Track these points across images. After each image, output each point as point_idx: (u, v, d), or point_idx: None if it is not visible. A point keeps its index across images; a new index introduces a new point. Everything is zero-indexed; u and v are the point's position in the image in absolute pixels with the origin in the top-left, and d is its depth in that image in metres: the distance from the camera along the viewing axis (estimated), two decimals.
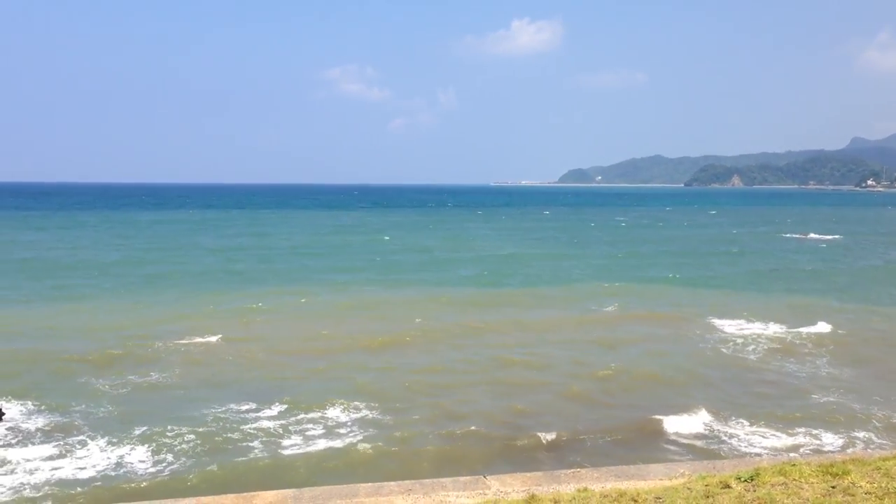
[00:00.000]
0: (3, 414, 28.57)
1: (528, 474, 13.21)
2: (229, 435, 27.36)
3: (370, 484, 11.66)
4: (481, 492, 11.79)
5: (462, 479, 12.51)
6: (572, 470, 13.78)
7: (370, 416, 29.67)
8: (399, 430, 28.10)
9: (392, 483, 11.97)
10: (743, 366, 37.44)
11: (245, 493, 11.16)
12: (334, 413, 29.81)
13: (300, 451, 25.96)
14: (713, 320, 48.47)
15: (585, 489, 11.34)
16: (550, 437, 27.40)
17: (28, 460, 24.81)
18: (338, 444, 26.64)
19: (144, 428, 27.80)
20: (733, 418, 29.44)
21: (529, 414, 30.07)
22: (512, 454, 25.96)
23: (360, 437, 27.25)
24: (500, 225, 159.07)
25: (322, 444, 26.58)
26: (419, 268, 78.61)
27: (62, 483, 23.10)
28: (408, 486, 11.81)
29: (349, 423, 28.70)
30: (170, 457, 25.28)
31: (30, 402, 30.54)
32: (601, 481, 12.61)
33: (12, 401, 30.34)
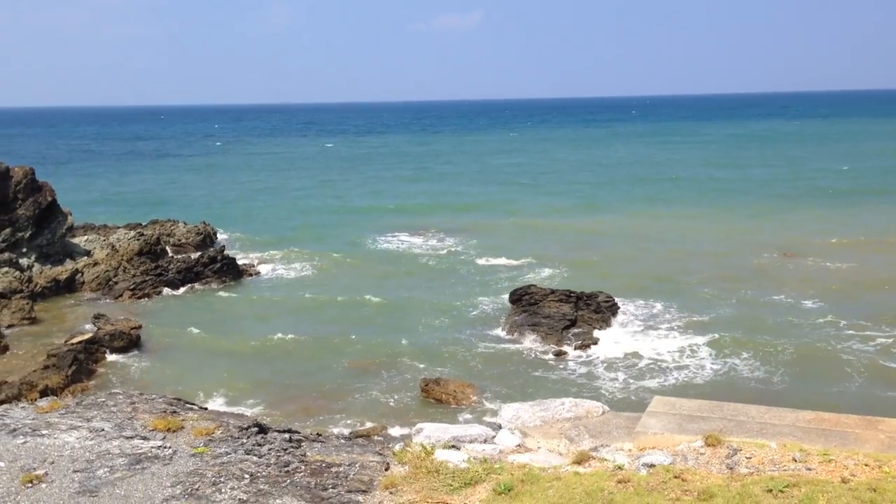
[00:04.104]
0: (619, 308, 31.76)
1: None
2: (834, 349, 26.29)
3: None
4: None
5: None
6: None
7: None
8: None
9: None
10: None
11: (868, 416, 10.16)
12: None
13: None
14: None
15: None
16: None
17: (644, 351, 27.37)
18: None
19: (750, 335, 28.19)
20: None
21: None
22: None
23: None
24: None
25: None
26: None
27: (676, 381, 24.88)
28: None
29: None
30: (775, 367, 25.27)
31: (640, 301, 33.24)
32: None
33: (620, 299, 33.11)
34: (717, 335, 28.34)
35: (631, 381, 24.71)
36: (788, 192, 66.57)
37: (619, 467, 8.95)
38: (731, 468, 8.74)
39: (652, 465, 8.81)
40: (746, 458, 8.96)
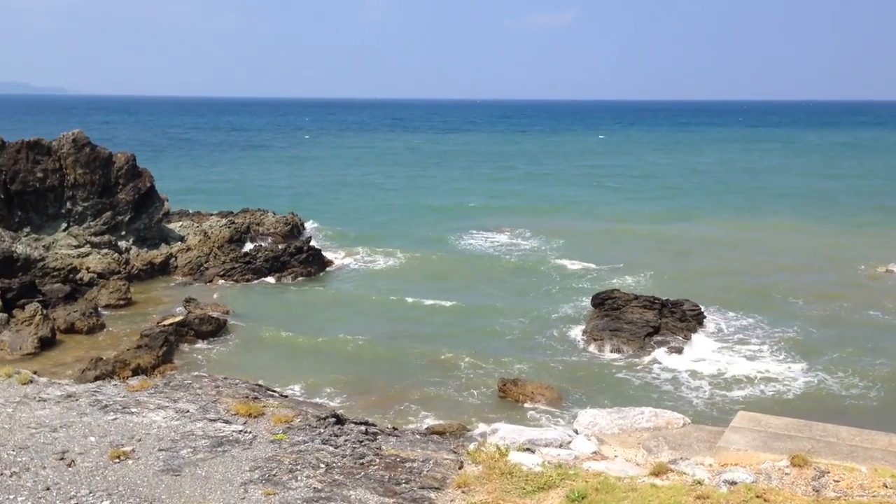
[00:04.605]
0: (705, 317, 30.89)
1: None
2: None
3: None
4: None
5: None
6: None
7: None
8: None
9: None
10: None
11: None
12: None
13: None
14: None
15: None
16: None
17: (729, 364, 26.50)
18: None
19: (844, 352, 27.10)
20: None
21: None
22: None
23: None
24: None
25: None
26: None
27: (762, 396, 24.04)
28: None
29: None
30: (870, 386, 24.25)
31: (728, 312, 32.27)
32: None
33: (707, 309, 32.17)
34: (808, 351, 27.28)
35: (715, 393, 24.02)
36: (890, 205, 63.47)
37: (699, 482, 8.69)
38: (817, 491, 8.38)
39: (733, 483, 8.53)
40: (834, 481, 8.57)
